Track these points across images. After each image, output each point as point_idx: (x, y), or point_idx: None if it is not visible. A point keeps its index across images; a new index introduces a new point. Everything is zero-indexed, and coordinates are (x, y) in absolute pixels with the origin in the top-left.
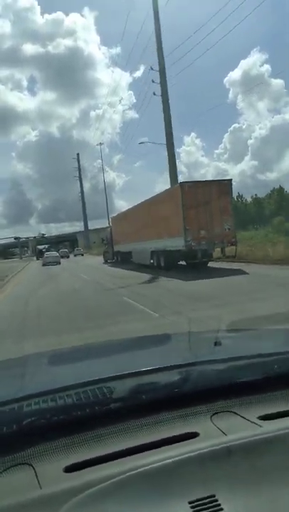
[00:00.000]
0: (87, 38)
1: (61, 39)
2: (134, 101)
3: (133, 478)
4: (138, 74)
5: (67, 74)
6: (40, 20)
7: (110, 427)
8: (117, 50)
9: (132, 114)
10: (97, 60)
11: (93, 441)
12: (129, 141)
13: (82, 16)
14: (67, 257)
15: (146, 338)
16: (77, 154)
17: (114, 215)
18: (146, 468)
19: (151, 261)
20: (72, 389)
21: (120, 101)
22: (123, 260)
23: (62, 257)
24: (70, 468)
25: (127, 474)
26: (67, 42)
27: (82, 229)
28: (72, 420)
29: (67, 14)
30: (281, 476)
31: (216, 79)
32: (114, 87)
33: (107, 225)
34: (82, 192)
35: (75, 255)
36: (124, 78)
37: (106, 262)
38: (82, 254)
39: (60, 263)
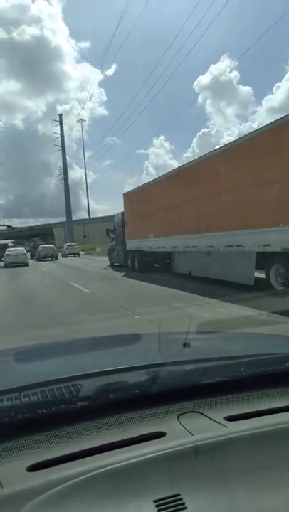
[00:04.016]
0: (55, 28)
1: (26, 26)
2: (105, 99)
3: (97, 478)
4: (110, 72)
5: (33, 64)
6: (3, 3)
7: (76, 426)
8: (86, 45)
9: (102, 111)
10: (65, 52)
11: (58, 440)
12: (99, 139)
13: (50, 4)
14: (56, 257)
15: (116, 337)
16: (60, 115)
17: (131, 190)
18: (111, 467)
19: (271, 275)
20: (37, 387)
21: (90, 98)
22: (143, 266)
23: (44, 257)
24: (33, 468)
25: (92, 473)
26: (33, 30)
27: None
28: (37, 419)
29: (33, 0)
30: (245, 476)
31: (186, 82)
32: (83, 81)
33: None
34: (64, 166)
35: (64, 255)
36: (94, 74)
37: (112, 265)
38: (79, 254)
39: (28, 264)
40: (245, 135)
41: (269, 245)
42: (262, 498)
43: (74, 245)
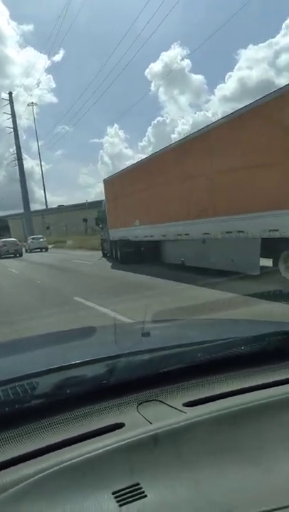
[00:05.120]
0: None
1: None
2: (54, 85)
3: (53, 475)
4: (57, 58)
5: None
6: None
7: (32, 424)
8: (29, 28)
9: (51, 99)
10: (7, 35)
11: (13, 441)
12: (49, 127)
13: None
14: (20, 253)
15: (71, 331)
16: (10, 93)
17: (112, 175)
18: (68, 463)
19: (280, 263)
20: None
21: (38, 84)
22: (128, 258)
23: (6, 253)
24: None
25: (47, 471)
26: None
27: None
28: None
29: None
30: (206, 459)
31: (138, 70)
32: (28, 67)
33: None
34: (18, 150)
35: (29, 250)
36: (41, 60)
37: (105, 255)
38: (46, 249)
39: None
40: (249, 104)
41: (276, 230)
42: (224, 479)
43: (40, 238)
